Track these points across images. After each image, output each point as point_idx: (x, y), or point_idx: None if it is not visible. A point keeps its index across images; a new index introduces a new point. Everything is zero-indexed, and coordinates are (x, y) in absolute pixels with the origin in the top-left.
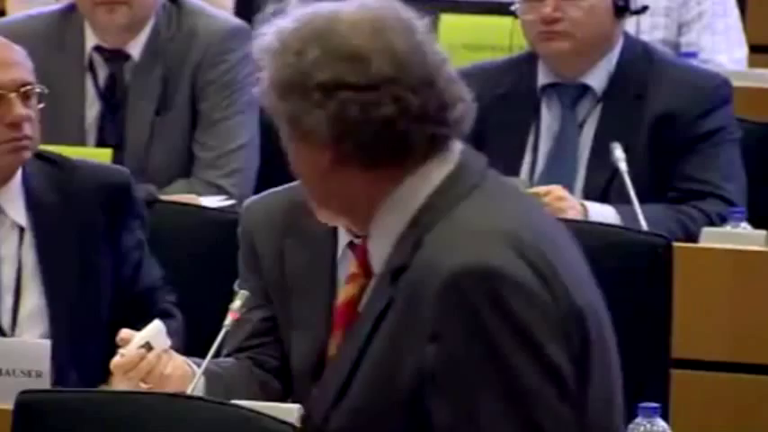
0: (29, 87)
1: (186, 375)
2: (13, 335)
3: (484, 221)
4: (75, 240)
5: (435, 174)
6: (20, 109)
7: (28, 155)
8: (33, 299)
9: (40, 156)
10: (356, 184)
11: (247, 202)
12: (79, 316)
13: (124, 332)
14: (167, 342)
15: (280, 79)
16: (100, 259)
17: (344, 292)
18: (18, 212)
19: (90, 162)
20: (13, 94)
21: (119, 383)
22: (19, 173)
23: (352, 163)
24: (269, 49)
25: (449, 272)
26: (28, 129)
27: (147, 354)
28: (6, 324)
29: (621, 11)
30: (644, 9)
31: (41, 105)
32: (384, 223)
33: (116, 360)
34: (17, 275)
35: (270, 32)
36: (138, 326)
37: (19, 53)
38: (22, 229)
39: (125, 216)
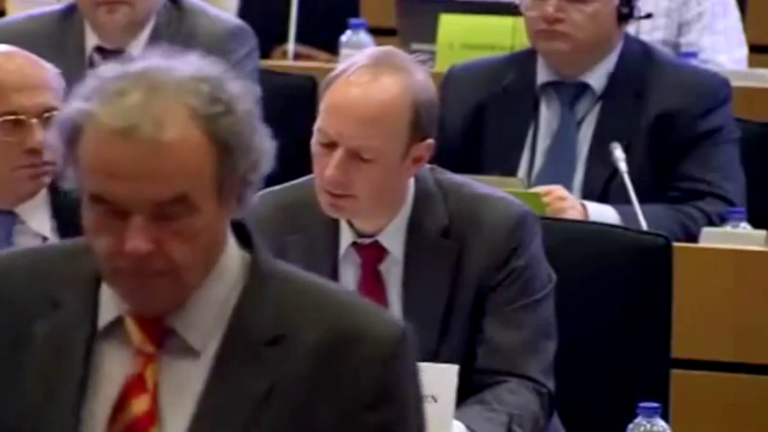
0: (53, 113)
1: None
2: None
3: (329, 285)
4: None
5: (235, 248)
6: (40, 135)
7: (47, 181)
8: None
9: None
10: (221, 245)
11: None
12: None
13: None
14: None
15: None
16: None
17: (150, 376)
18: (41, 223)
19: None
20: (34, 120)
21: None
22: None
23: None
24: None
25: (389, 338)
26: (48, 155)
27: None
28: None
29: (624, 18)
30: (648, 16)
31: None
32: (210, 292)
33: None
34: None
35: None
36: None
37: (48, 73)
38: (45, 239)
39: None
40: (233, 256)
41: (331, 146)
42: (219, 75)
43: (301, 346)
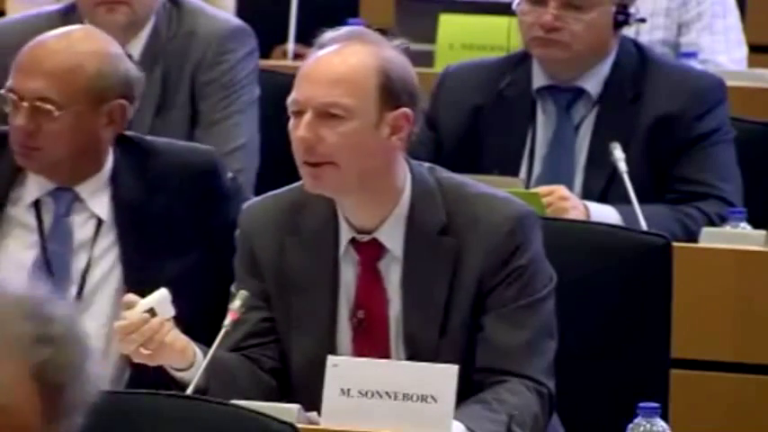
0: (43, 103)
1: (186, 350)
2: None
3: None
4: (159, 231)
5: None
6: (19, 120)
7: (35, 164)
8: (106, 291)
9: (127, 140)
10: None
11: (246, 204)
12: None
13: (128, 296)
14: (171, 311)
15: None
16: (186, 247)
17: None
18: (100, 205)
19: (175, 146)
20: (25, 103)
21: (120, 347)
22: (110, 164)
23: None
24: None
25: None
26: (29, 140)
27: (151, 319)
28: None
29: (620, 25)
30: (642, 20)
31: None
32: None
33: (119, 322)
34: (86, 266)
35: None
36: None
37: (62, 64)
38: (100, 221)
39: (212, 200)
40: None
41: (301, 113)
42: (43, 301)
43: None
